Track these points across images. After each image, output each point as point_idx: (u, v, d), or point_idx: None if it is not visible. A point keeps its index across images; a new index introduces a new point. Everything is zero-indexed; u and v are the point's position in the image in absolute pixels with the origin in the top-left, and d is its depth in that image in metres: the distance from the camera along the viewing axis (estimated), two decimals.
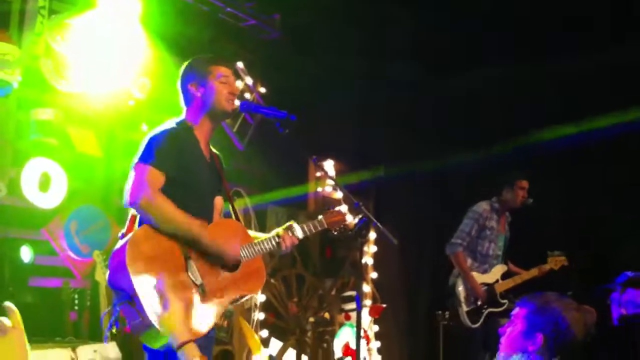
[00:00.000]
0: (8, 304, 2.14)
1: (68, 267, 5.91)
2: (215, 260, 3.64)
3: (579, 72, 7.16)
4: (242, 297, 3.83)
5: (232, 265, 3.71)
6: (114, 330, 3.53)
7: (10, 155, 5.73)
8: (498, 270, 6.80)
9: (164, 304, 3.31)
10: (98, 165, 6.39)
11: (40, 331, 5.37)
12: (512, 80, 7.45)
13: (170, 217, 3.49)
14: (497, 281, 6.75)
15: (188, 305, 3.45)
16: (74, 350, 4.81)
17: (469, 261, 6.73)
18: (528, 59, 7.34)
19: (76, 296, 5.50)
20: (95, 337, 5.26)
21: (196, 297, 3.48)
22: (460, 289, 6.65)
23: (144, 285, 3.31)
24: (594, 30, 7.28)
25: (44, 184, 5.74)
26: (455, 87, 7.84)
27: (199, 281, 3.52)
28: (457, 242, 6.74)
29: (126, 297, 3.36)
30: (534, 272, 6.86)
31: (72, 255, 5.91)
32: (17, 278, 5.50)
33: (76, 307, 5.50)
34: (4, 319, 2.10)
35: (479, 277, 6.68)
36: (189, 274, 3.50)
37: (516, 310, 3.16)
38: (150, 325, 3.28)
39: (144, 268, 3.36)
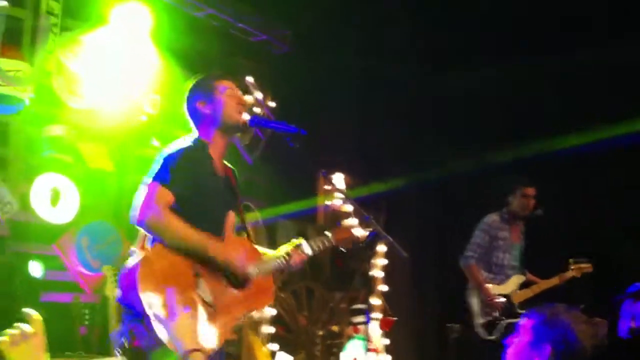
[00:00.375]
0: (29, 310, 2.17)
1: (78, 282, 5.93)
2: (226, 278, 3.67)
3: (578, 72, 7.17)
4: (250, 313, 3.85)
5: (242, 283, 3.74)
6: (125, 344, 3.54)
7: (22, 171, 5.77)
8: (515, 280, 6.74)
9: (173, 317, 3.34)
10: (110, 181, 6.41)
11: (51, 346, 5.39)
12: (512, 80, 7.46)
13: (179, 233, 3.50)
14: (514, 291, 6.70)
15: (198, 323, 3.47)
16: None
17: (484, 273, 6.68)
18: (527, 58, 7.35)
19: (86, 311, 5.53)
20: (105, 351, 5.28)
21: (206, 315, 3.51)
22: (475, 301, 6.62)
23: (155, 305, 3.33)
24: (592, 29, 7.29)
25: (55, 200, 5.77)
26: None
27: (209, 299, 3.54)
28: (469, 254, 6.71)
29: (137, 315, 3.38)
30: (554, 280, 6.77)
31: (82, 270, 5.94)
32: (29, 293, 5.53)
33: (86, 322, 5.53)
34: (25, 326, 2.13)
35: (496, 289, 6.62)
36: (200, 292, 3.52)
37: (523, 321, 3.14)
38: (160, 343, 3.30)
39: (155, 287, 3.37)
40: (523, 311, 6.50)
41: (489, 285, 6.63)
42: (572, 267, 6.81)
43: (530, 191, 6.76)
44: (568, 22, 7.33)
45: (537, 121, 7.51)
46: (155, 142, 6.32)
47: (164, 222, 3.48)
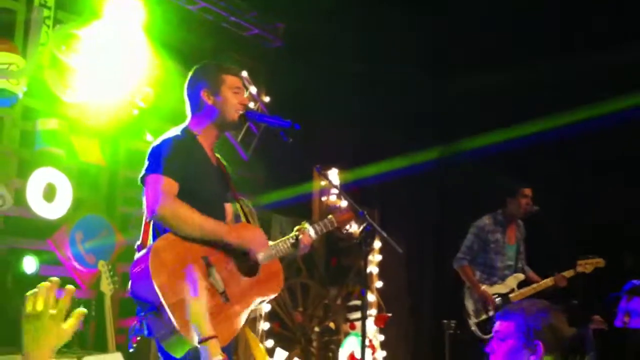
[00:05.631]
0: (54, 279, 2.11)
1: (73, 277, 5.89)
2: (236, 266, 3.66)
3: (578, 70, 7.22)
4: (262, 300, 3.85)
5: (252, 270, 3.73)
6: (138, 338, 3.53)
7: (16, 166, 5.73)
8: (512, 280, 6.76)
9: (188, 305, 3.32)
10: (102, 175, 6.39)
11: None
12: (512, 80, 7.49)
13: (193, 221, 3.51)
14: (512, 290, 6.69)
15: (212, 313, 3.45)
16: None
17: (477, 274, 6.72)
18: (525, 58, 7.38)
19: (81, 307, 5.48)
20: (101, 347, 5.25)
21: (219, 305, 3.50)
22: (469, 301, 6.64)
23: (169, 295, 3.30)
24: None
25: (49, 194, 5.72)
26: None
27: (221, 289, 3.54)
28: (460, 256, 6.81)
29: (152, 308, 3.36)
30: (548, 282, 6.75)
31: (77, 265, 5.90)
32: (23, 288, 5.48)
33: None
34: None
35: (492, 289, 6.65)
36: (212, 281, 3.51)
37: (499, 325, 3.12)
38: (176, 332, 3.27)
39: (168, 278, 3.36)
40: None
41: (484, 286, 6.64)
42: (579, 264, 6.76)
43: (528, 191, 6.80)
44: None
45: (530, 114, 7.54)
46: (149, 137, 6.28)
47: (175, 210, 3.49)
